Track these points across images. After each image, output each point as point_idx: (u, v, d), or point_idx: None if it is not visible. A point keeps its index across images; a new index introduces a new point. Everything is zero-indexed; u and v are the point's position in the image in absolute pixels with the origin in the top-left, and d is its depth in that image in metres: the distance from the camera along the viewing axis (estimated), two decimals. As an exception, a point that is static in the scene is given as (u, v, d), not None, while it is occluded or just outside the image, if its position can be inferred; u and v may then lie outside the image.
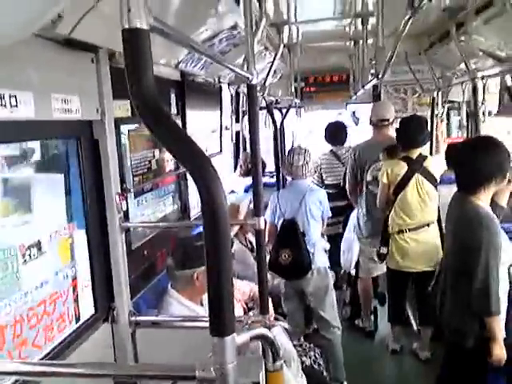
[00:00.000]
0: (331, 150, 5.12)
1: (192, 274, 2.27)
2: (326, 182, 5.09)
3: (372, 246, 4.12)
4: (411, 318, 4.38)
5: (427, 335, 3.85)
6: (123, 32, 0.74)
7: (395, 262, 3.77)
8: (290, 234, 3.45)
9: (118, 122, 2.04)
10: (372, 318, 4.48)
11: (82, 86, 1.72)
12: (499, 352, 2.41)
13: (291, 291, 3.64)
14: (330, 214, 3.75)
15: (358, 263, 4.38)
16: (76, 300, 1.83)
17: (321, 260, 3.55)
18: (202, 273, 2.26)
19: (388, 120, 4.26)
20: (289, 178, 3.94)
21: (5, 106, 1.30)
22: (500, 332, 2.41)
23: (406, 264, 3.73)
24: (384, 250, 3.78)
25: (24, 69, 1.40)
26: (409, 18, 1.72)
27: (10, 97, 1.33)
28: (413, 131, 3.70)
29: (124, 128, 2.21)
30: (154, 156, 2.58)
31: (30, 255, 1.53)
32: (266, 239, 3.47)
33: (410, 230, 3.69)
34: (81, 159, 1.81)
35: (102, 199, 1.88)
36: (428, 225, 3.70)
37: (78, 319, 1.84)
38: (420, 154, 3.73)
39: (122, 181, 2.06)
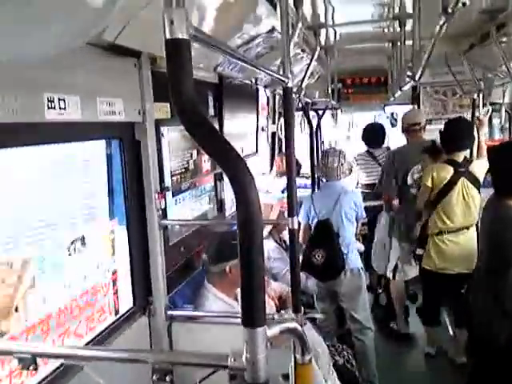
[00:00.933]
0: (368, 150, 5.12)
1: (225, 268, 2.34)
2: (361, 182, 5.08)
3: (410, 249, 4.09)
4: (447, 321, 4.31)
5: (463, 339, 3.78)
6: (166, 43, 0.79)
7: (432, 263, 3.72)
8: (324, 235, 3.46)
9: (159, 123, 2.12)
10: (406, 319, 4.46)
11: (124, 90, 1.81)
12: None
13: (324, 291, 3.65)
14: (365, 216, 3.74)
15: (395, 266, 4.35)
16: (116, 293, 1.91)
17: (354, 261, 3.55)
18: (235, 266, 2.33)
19: (419, 124, 4.31)
20: (323, 180, 3.95)
21: (54, 108, 1.39)
22: None
23: (443, 265, 3.68)
24: (420, 252, 3.75)
25: (72, 74, 1.49)
26: (444, 22, 1.72)
27: (59, 100, 1.42)
28: (460, 134, 3.63)
29: (164, 129, 2.29)
30: (191, 157, 2.65)
31: (74, 249, 1.62)
32: (300, 239, 3.51)
33: (449, 232, 3.65)
34: (123, 159, 1.90)
35: (142, 197, 1.96)
36: (468, 228, 3.65)
37: (117, 312, 1.93)
38: (465, 157, 3.67)
39: (161, 180, 2.14)
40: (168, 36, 0.79)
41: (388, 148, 5.25)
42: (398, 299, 4.41)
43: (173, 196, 2.40)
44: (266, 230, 3.62)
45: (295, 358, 1.09)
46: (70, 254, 1.60)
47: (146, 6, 1.47)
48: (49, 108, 1.38)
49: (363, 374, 3.49)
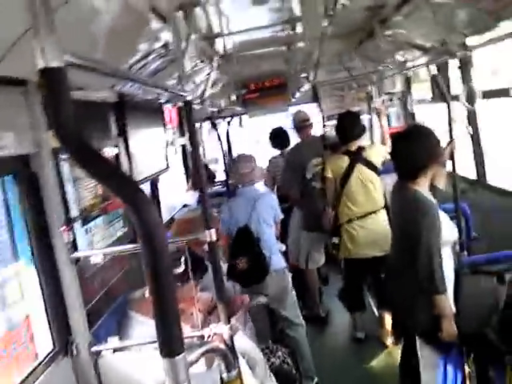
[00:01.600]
0: (280, 154, 5.28)
1: (144, 293, 2.28)
2: (277, 184, 5.20)
3: (319, 239, 4.46)
4: (372, 304, 4.52)
5: (387, 320, 3.99)
6: (39, 72, 0.75)
7: (347, 250, 3.97)
8: (245, 241, 3.48)
9: (57, 151, 2.01)
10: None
11: (13, 121, 1.69)
12: (449, 328, 2.53)
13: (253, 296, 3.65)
14: (282, 216, 3.81)
15: (307, 256, 4.64)
16: (31, 338, 1.78)
17: (277, 262, 3.61)
18: None
19: (308, 120, 4.76)
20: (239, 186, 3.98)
21: None
22: (449, 309, 2.54)
23: (356, 251, 3.93)
24: (336, 240, 3.99)
25: None
26: (328, 24, 1.79)
27: None
28: (349, 125, 3.99)
29: (64, 157, 2.17)
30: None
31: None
32: (222, 252, 3.54)
33: (358, 218, 3.91)
34: (20, 195, 1.77)
35: (46, 233, 1.84)
36: (375, 212, 3.91)
37: (36, 357, 1.79)
38: (358, 146, 3.98)
39: (67, 211, 2.02)
40: (41, 65, 0.75)
41: None
42: (312, 286, 4.68)
43: (82, 225, 2.28)
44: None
45: (221, 377, 1.07)
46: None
47: (25, 32, 1.39)
48: None
49: (301, 370, 3.55)
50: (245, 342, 2.67)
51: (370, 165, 3.94)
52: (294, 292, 3.74)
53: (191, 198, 4.88)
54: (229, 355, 1.05)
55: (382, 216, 3.93)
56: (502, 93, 3.31)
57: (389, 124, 5.89)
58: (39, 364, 1.78)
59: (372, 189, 3.93)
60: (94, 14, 1.61)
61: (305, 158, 4.53)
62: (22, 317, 1.73)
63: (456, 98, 3.48)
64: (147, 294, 2.28)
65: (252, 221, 3.52)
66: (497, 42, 2.39)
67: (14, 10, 1.12)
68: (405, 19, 2.90)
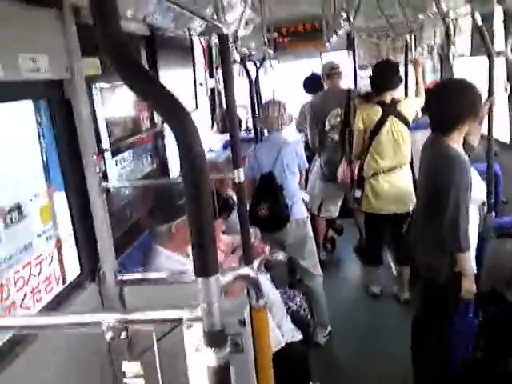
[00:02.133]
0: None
1: (171, 227, 2.31)
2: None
3: (334, 190, 4.54)
4: (389, 259, 4.54)
5: (405, 276, 4.01)
6: None
7: (370, 205, 3.94)
8: (268, 188, 3.49)
9: (90, 80, 2.00)
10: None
11: (49, 45, 1.68)
12: (469, 286, 2.52)
13: (272, 243, 3.69)
14: (307, 165, 3.80)
15: (320, 204, 4.70)
16: (61, 261, 1.84)
17: (299, 211, 3.61)
18: (182, 225, 2.30)
19: (338, 68, 4.69)
20: (265, 132, 3.95)
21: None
22: (470, 267, 2.52)
23: (380, 206, 3.90)
24: (358, 194, 3.96)
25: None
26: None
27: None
28: (385, 75, 3.85)
29: (96, 86, 2.17)
30: (129, 114, 2.54)
31: (11, 219, 1.52)
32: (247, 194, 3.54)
33: (383, 172, 3.85)
34: (54, 120, 1.78)
35: (79, 161, 1.86)
36: (401, 166, 3.85)
37: (64, 281, 1.86)
38: (393, 97, 3.86)
39: (98, 141, 2.04)
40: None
41: None
42: (318, 234, 4.72)
43: (112, 157, 2.31)
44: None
45: (250, 303, 1.09)
46: (6, 225, 1.51)
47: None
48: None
49: (316, 318, 3.63)
50: (264, 284, 2.73)
51: (403, 118, 3.83)
52: (313, 242, 3.76)
53: (217, 142, 4.87)
54: (259, 284, 1.07)
55: (407, 172, 3.90)
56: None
57: (424, 77, 5.72)
58: (67, 287, 1.85)
59: (401, 143, 3.84)
60: None
61: (326, 108, 4.51)
62: (53, 240, 1.78)
63: (498, 53, 3.32)
64: (174, 230, 2.31)
65: (276, 167, 3.51)
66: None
67: None
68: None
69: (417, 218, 2.85)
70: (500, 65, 3.23)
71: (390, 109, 3.80)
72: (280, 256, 3.24)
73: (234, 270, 0.96)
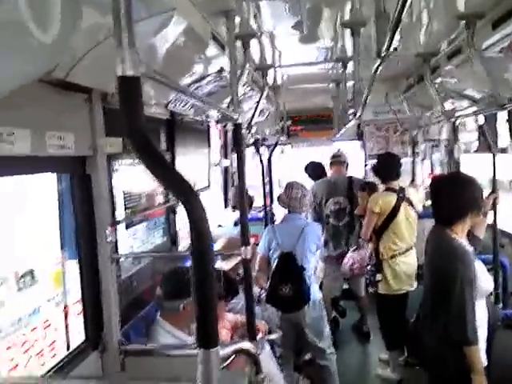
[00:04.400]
0: None
1: (179, 305, 2.32)
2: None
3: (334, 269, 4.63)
4: None
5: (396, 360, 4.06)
6: (118, 79, 0.86)
7: (388, 287, 4.00)
8: (290, 268, 3.49)
9: (111, 157, 2.16)
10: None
11: (75, 124, 1.84)
12: (479, 381, 2.44)
13: (286, 323, 3.63)
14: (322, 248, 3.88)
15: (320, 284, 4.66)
16: (67, 327, 1.89)
17: (316, 292, 3.63)
18: (190, 303, 2.32)
19: (339, 157, 4.99)
20: (280, 213, 4.05)
21: (3, 141, 1.41)
22: (479, 361, 2.43)
23: (400, 286, 4.00)
24: (379, 277, 4.01)
25: (21, 108, 1.51)
26: (379, 65, 1.88)
27: (7, 135, 1.44)
28: (391, 165, 4.18)
29: (116, 163, 2.32)
30: (144, 190, 2.68)
31: (23, 283, 1.60)
32: (257, 268, 3.62)
33: (400, 253, 4.01)
34: (74, 193, 1.91)
35: (93, 230, 1.97)
36: (411, 248, 4.07)
37: (68, 347, 1.90)
38: (399, 185, 4.12)
39: (113, 213, 2.15)
40: (119, 73, 0.86)
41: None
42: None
43: (126, 228, 2.41)
44: (232, 263, 3.60)
45: (249, 378, 1.13)
46: (19, 289, 1.59)
47: (96, 45, 1.54)
48: (-1, 142, 1.39)
49: None
50: (270, 365, 2.69)
51: (411, 204, 4.09)
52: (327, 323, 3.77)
53: (227, 218, 4.98)
54: (258, 359, 1.10)
55: (414, 252, 4.10)
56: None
57: (431, 169, 5.91)
58: (70, 353, 1.88)
59: (413, 225, 4.09)
60: (158, 33, 1.76)
61: (326, 195, 4.75)
62: (61, 305, 1.85)
63: (504, 150, 3.47)
64: (181, 307, 2.33)
65: (297, 248, 3.53)
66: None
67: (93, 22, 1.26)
68: (456, 69, 2.95)
69: (424, 310, 2.82)
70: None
71: (401, 195, 4.06)
72: (273, 336, 3.20)
73: (234, 344, 1.00)
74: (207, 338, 0.82)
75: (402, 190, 4.10)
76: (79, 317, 1.95)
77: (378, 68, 2.00)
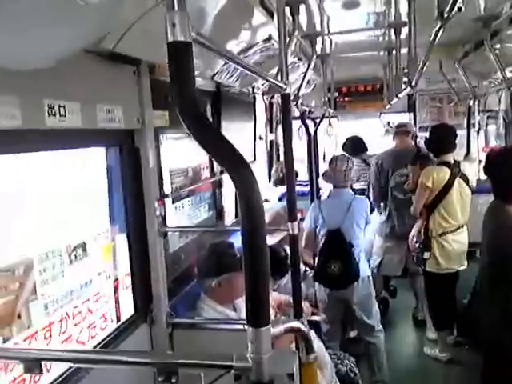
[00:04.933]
0: (361, 158, 5.30)
1: (221, 280, 2.30)
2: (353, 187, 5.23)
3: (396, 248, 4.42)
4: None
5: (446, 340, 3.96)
6: (168, 45, 0.80)
7: (438, 265, 3.86)
8: (338, 245, 3.43)
9: (157, 131, 2.13)
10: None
11: (124, 97, 1.82)
12: None
13: (333, 301, 3.61)
14: (371, 222, 3.76)
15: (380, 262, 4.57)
16: (117, 300, 1.91)
17: (365, 269, 3.56)
18: (233, 278, 2.30)
19: (405, 126, 4.73)
20: (325, 188, 3.96)
21: (54, 115, 1.40)
22: None
23: (450, 265, 3.85)
24: (427, 255, 3.86)
25: (71, 81, 1.50)
26: (439, 28, 1.75)
27: (59, 107, 1.43)
28: (446, 137, 3.93)
29: (163, 137, 2.30)
30: (190, 164, 2.66)
31: (75, 256, 1.62)
32: (302, 245, 3.55)
33: (451, 231, 3.83)
34: (122, 166, 1.91)
35: (141, 204, 1.97)
36: (464, 225, 3.88)
37: (118, 319, 1.92)
38: (454, 159, 3.88)
39: (161, 187, 2.14)
40: (170, 39, 0.80)
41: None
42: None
43: (172, 203, 2.41)
44: (275, 239, 3.57)
45: (299, 357, 1.09)
46: (71, 261, 1.60)
47: (144, 14, 1.49)
48: (49, 115, 1.39)
49: (377, 375, 3.54)
50: (316, 342, 2.67)
51: (466, 179, 3.89)
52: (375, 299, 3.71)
53: (272, 193, 4.94)
54: (309, 337, 1.07)
55: (466, 230, 3.93)
56: None
57: (487, 142, 5.63)
58: (120, 325, 1.91)
59: (467, 202, 3.89)
60: (205, 2, 1.70)
61: (393, 166, 4.50)
62: (111, 279, 1.87)
63: None
64: (216, 284, 2.31)
65: (345, 224, 3.46)
66: None
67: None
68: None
69: (482, 290, 2.70)
70: None
71: (456, 170, 3.85)
72: (317, 318, 3.15)
73: (284, 322, 0.97)
74: (258, 315, 0.79)
75: (456, 164, 3.87)
76: (129, 290, 1.96)
77: (438, 32, 1.86)
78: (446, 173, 3.81)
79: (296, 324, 1.01)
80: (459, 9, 1.54)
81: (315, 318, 3.14)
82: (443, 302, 3.97)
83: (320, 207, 3.59)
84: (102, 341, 1.77)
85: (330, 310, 3.62)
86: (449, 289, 3.92)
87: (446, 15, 1.57)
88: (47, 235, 1.50)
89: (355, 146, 5.41)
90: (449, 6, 1.53)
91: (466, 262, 3.84)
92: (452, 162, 3.85)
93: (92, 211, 1.77)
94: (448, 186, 3.80)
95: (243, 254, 0.80)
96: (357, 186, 5.20)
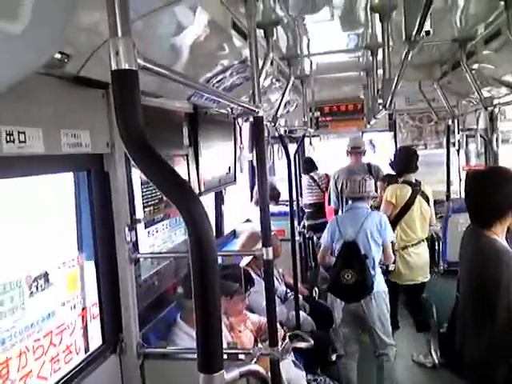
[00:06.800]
0: (310, 175, 5.88)
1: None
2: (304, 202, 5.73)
3: None
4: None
5: (428, 340, 4.12)
6: (112, 73, 0.77)
7: (400, 276, 4.27)
8: (352, 255, 3.50)
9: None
10: None
11: (92, 121, 1.78)
12: None
13: (349, 316, 3.67)
14: (393, 239, 3.82)
15: None
16: (85, 331, 1.84)
17: (380, 282, 3.61)
18: None
19: (360, 148, 5.35)
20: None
21: (13, 141, 1.35)
22: None
23: (412, 277, 4.30)
24: (392, 267, 4.17)
25: (33, 106, 1.45)
26: (408, 50, 1.74)
27: (18, 133, 1.38)
28: (408, 159, 4.43)
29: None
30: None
31: (36, 287, 1.55)
32: (319, 261, 3.89)
33: (412, 244, 4.29)
34: (91, 191, 1.85)
35: (111, 230, 1.91)
36: (423, 240, 4.35)
37: (86, 351, 1.85)
38: (415, 179, 4.38)
39: (132, 212, 2.09)
40: (114, 67, 0.77)
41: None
42: None
43: (145, 228, 2.35)
44: (246, 260, 3.56)
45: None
46: (32, 293, 1.53)
47: (108, 39, 1.46)
48: (7, 142, 1.34)
49: None
50: (292, 369, 2.61)
51: (426, 197, 4.33)
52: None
53: (254, 213, 4.90)
54: (268, 380, 1.01)
55: (426, 244, 4.39)
56: None
57: (467, 161, 5.66)
58: (88, 357, 1.83)
59: (426, 219, 4.34)
60: (176, 26, 1.67)
61: (346, 178, 4.77)
62: (78, 309, 1.80)
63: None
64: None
65: (360, 237, 3.53)
66: None
67: (101, 15, 1.18)
68: (494, 53, 2.78)
69: (463, 319, 2.60)
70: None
71: (417, 188, 4.29)
72: (304, 345, 3.08)
73: (240, 366, 0.91)
74: (210, 360, 0.73)
75: (417, 183, 4.32)
76: (97, 320, 1.89)
77: (407, 54, 1.85)
78: (407, 191, 4.28)
79: (253, 367, 0.96)
80: (427, 32, 1.54)
81: (301, 344, 3.08)
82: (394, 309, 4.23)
83: (337, 222, 3.72)
84: (67, 374, 1.69)
85: (346, 326, 3.70)
86: (397, 297, 4.35)
87: (412, 39, 1.56)
88: (5, 265, 1.43)
89: (307, 164, 5.95)
90: (415, 30, 1.53)
91: (428, 275, 4.31)
92: (413, 181, 4.33)
93: (57, 238, 1.71)
94: (409, 203, 4.25)
95: (193, 291, 0.75)
96: (306, 200, 5.77)
